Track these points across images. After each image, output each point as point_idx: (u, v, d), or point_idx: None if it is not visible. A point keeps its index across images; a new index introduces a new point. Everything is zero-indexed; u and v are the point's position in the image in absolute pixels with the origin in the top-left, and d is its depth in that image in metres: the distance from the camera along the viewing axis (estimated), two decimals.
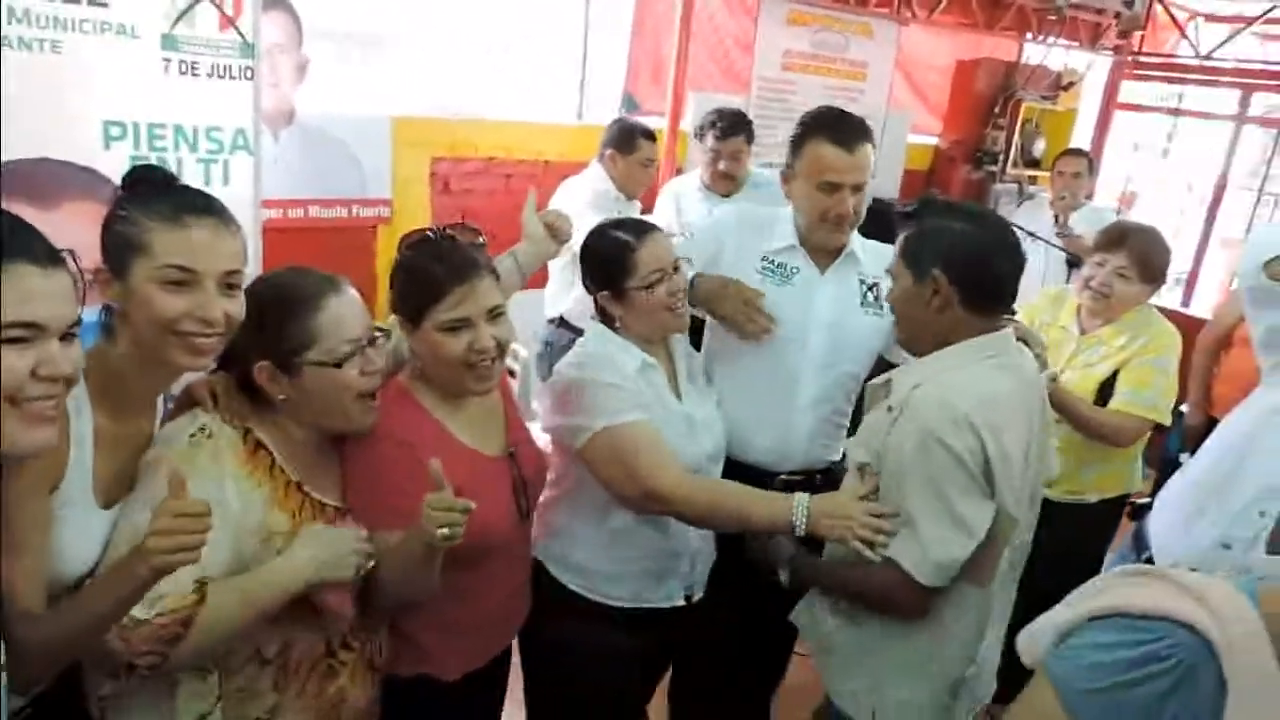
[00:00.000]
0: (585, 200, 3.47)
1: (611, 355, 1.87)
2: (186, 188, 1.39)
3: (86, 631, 1.22)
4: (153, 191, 1.32)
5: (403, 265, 1.62)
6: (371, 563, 1.47)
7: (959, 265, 1.64)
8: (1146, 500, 2.25)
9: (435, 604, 1.61)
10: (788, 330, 2.10)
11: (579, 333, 3.57)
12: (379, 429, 1.55)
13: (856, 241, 2.16)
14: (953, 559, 1.60)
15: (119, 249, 1.29)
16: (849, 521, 1.63)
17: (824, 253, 2.14)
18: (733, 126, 3.65)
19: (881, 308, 2.14)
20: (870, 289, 2.17)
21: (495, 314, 1.59)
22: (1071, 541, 2.54)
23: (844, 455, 2.13)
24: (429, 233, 1.63)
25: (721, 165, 3.67)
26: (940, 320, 1.67)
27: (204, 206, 1.33)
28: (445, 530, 1.38)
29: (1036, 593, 2.54)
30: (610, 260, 1.87)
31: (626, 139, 3.62)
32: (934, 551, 1.59)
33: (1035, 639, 1.07)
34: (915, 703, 1.71)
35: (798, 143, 2.07)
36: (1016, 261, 1.68)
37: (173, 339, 1.30)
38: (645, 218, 3.57)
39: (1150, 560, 2.10)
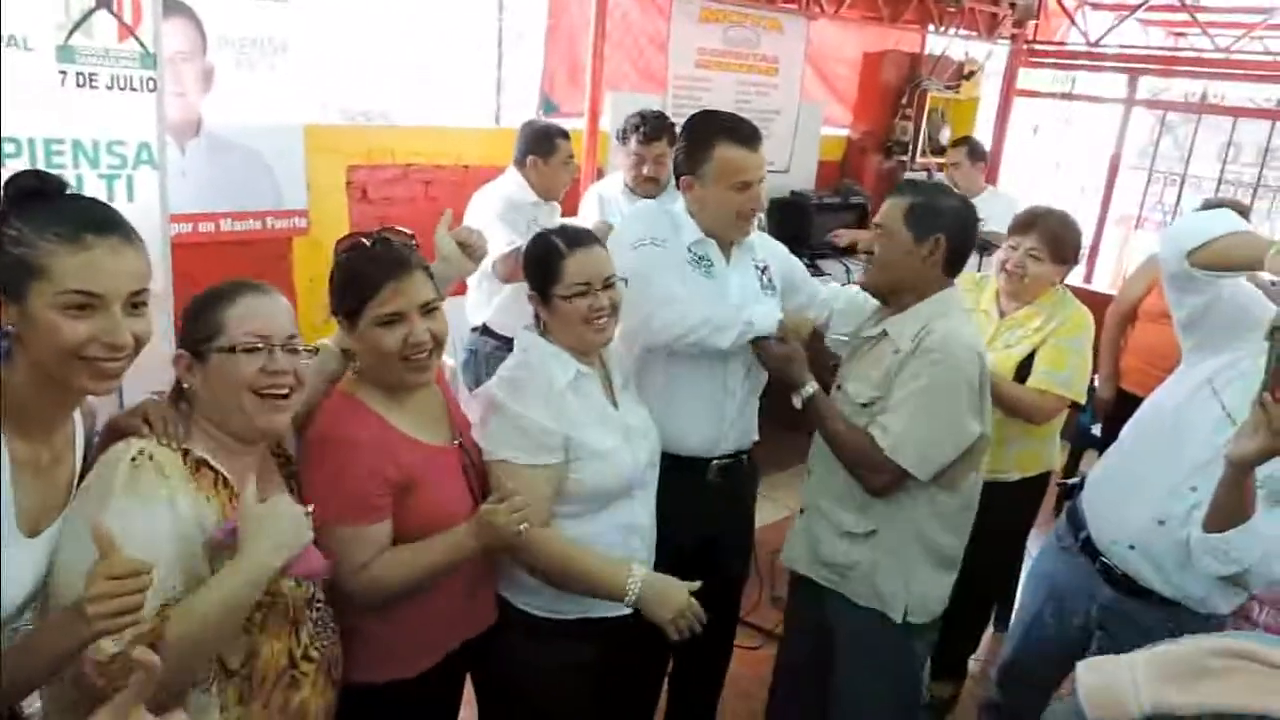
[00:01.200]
0: (495, 212, 3.46)
1: (546, 365, 1.88)
2: (80, 199, 1.31)
3: (27, 682, 1.19)
4: (49, 207, 1.23)
5: (338, 266, 1.68)
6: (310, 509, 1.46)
7: (956, 232, 2.04)
8: (1076, 480, 2.32)
9: (392, 601, 1.66)
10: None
11: (503, 340, 3.59)
12: (324, 432, 1.61)
13: None
14: (944, 459, 2.01)
15: (12, 272, 1.21)
16: (674, 610, 1.79)
17: (724, 244, 2.25)
18: (656, 130, 3.69)
19: (774, 288, 2.31)
20: (763, 271, 2.31)
21: (429, 308, 1.66)
22: (995, 520, 2.59)
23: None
24: (362, 236, 1.68)
25: (645, 169, 3.72)
26: (921, 274, 2.05)
27: (104, 222, 1.26)
28: (525, 525, 1.65)
29: (963, 570, 2.53)
30: (539, 264, 1.90)
31: (544, 142, 3.60)
32: (932, 452, 1.99)
33: (1115, 697, 1.04)
34: (937, 593, 2.16)
35: (700, 149, 2.15)
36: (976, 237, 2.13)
37: (78, 364, 1.24)
38: (570, 220, 3.60)
39: (1088, 540, 2.16)
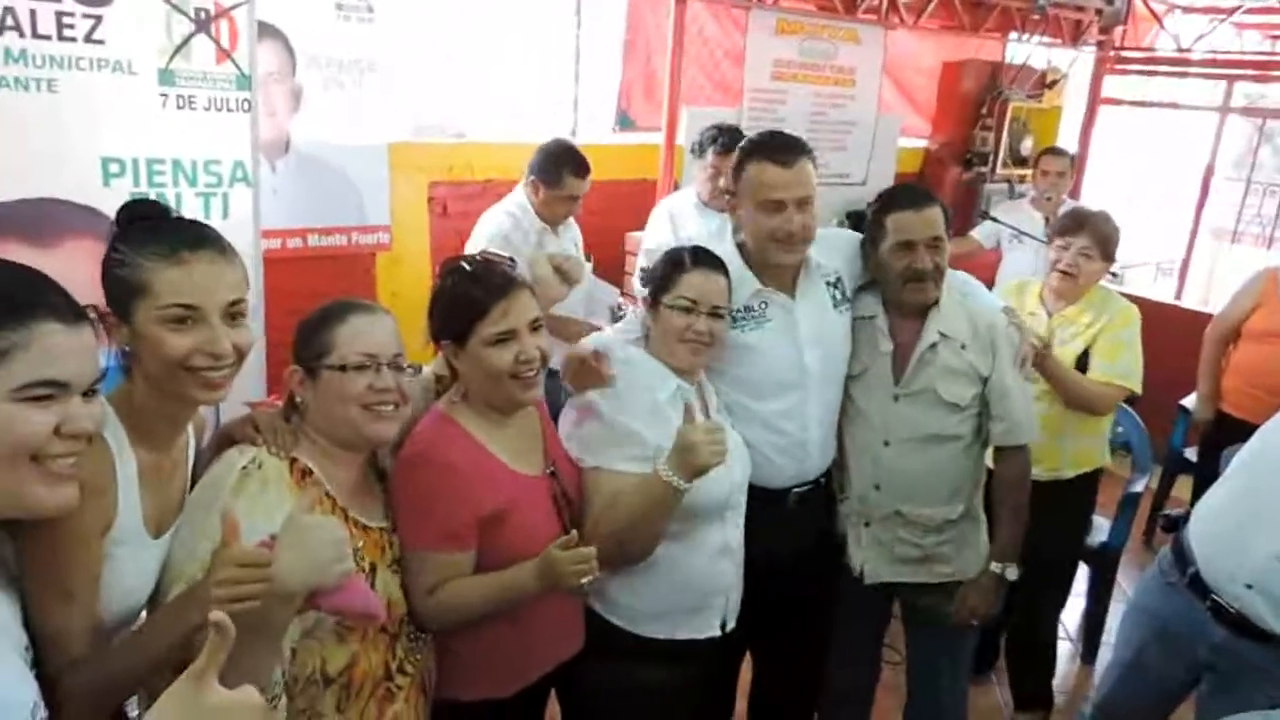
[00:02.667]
0: (487, 236, 3.26)
1: (649, 377, 1.89)
2: (180, 220, 1.38)
3: (134, 677, 1.23)
4: (146, 228, 1.31)
5: (443, 290, 1.70)
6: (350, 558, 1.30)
7: None
8: (1181, 512, 2.23)
9: (486, 624, 1.65)
10: (783, 364, 2.10)
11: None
12: (420, 452, 1.62)
13: (812, 247, 2.13)
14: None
15: (120, 293, 1.29)
16: (696, 445, 1.71)
17: (785, 274, 2.12)
18: (733, 142, 3.61)
19: (848, 300, 2.22)
20: (834, 286, 2.20)
21: (536, 325, 1.68)
22: (1051, 519, 2.66)
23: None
24: (462, 260, 1.71)
25: (721, 181, 3.63)
26: None
27: (199, 238, 1.32)
28: (588, 579, 1.57)
29: (1024, 584, 2.53)
30: (661, 269, 1.94)
31: (551, 171, 3.30)
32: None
33: None
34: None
35: (737, 169, 2.09)
36: None
37: (186, 376, 1.30)
38: (636, 235, 3.50)
39: (1197, 576, 2.04)
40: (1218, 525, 2.07)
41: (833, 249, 2.23)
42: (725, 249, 2.10)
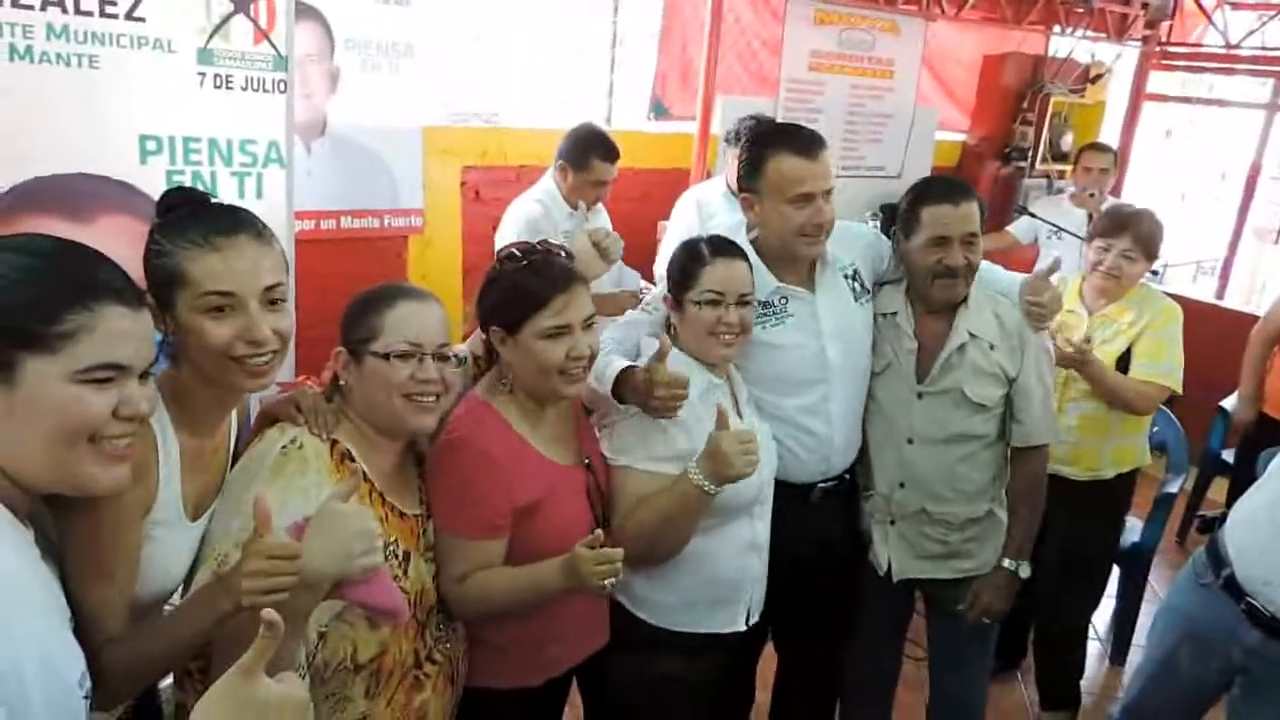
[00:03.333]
0: (517, 223, 3.28)
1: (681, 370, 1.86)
2: (217, 206, 1.37)
3: (166, 657, 1.25)
4: (183, 216, 1.31)
5: (501, 278, 1.68)
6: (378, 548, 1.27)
7: None
8: (1220, 513, 2.20)
9: (517, 614, 1.65)
10: (806, 359, 2.07)
11: None
12: (458, 439, 1.61)
13: (828, 241, 2.10)
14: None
15: (160, 283, 1.29)
16: (732, 451, 1.71)
17: (802, 268, 2.09)
18: None
19: (868, 292, 2.19)
20: (853, 278, 2.17)
21: (589, 322, 1.67)
22: (1090, 519, 2.82)
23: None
24: (515, 249, 1.70)
25: None
26: None
27: (233, 224, 1.32)
28: (611, 580, 1.54)
29: (1052, 571, 2.73)
30: (679, 266, 1.90)
31: (581, 155, 3.32)
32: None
33: None
34: None
35: (756, 163, 2.02)
36: None
37: (230, 364, 1.30)
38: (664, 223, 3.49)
39: (1232, 578, 2.01)
40: (1255, 528, 2.03)
41: (847, 242, 2.19)
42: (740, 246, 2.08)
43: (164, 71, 2.56)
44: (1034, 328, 2.17)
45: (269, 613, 0.94)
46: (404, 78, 3.71)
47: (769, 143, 2.03)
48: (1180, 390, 2.75)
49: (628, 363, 1.87)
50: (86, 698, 1.05)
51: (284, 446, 1.39)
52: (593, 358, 1.69)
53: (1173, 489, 3.35)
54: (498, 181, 4.10)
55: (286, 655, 1.23)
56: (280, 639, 0.95)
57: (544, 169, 4.01)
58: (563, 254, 1.71)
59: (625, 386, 1.83)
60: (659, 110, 4.55)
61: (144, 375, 1.09)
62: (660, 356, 1.78)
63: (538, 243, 1.71)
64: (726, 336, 1.85)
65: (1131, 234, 2.76)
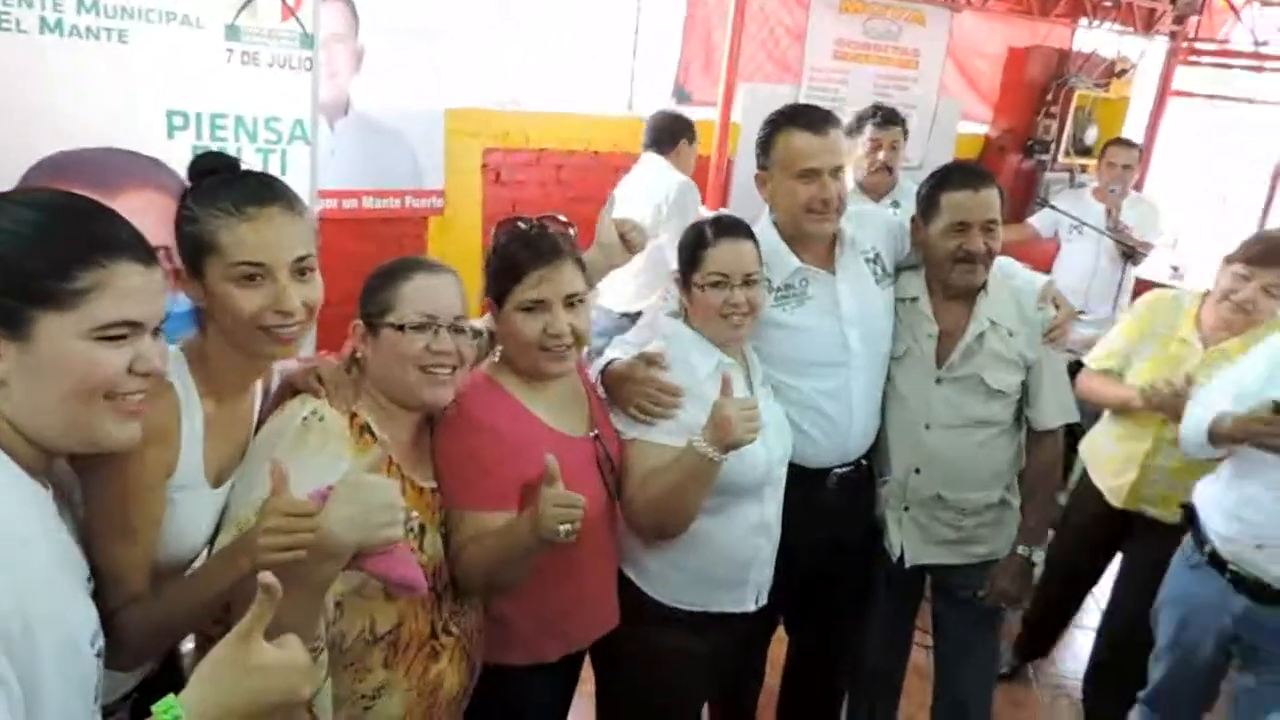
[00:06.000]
0: (675, 204, 3.51)
1: (688, 353, 1.87)
2: (248, 174, 1.36)
3: (187, 618, 1.27)
4: (215, 184, 1.31)
5: (494, 249, 1.68)
6: (405, 519, 1.28)
7: None
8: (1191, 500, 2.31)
9: (527, 587, 1.64)
10: (826, 342, 2.07)
11: None
12: (462, 413, 1.60)
13: (846, 223, 2.10)
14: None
15: (191, 250, 1.30)
16: (734, 418, 1.69)
17: (822, 249, 2.09)
18: (891, 117, 3.58)
19: (890, 275, 2.18)
20: (874, 261, 2.16)
21: (573, 300, 1.63)
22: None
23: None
24: (519, 220, 1.68)
25: (881, 155, 3.55)
26: None
27: (266, 194, 1.31)
28: (567, 526, 1.43)
29: (1128, 602, 2.67)
30: (686, 249, 1.90)
31: (688, 125, 3.65)
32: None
33: None
34: None
35: (767, 141, 2.04)
36: None
37: (258, 333, 1.31)
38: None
39: (1214, 552, 2.16)
40: (1222, 495, 2.16)
41: (868, 225, 2.20)
42: (761, 228, 2.07)
43: (192, 47, 2.58)
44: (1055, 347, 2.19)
45: (266, 576, 0.94)
46: (427, 60, 3.72)
47: (780, 119, 2.04)
48: None
49: (618, 355, 1.90)
50: (99, 655, 1.06)
51: (305, 418, 1.40)
52: (579, 337, 1.65)
53: None
54: (518, 164, 4.11)
55: (307, 624, 1.24)
56: (277, 602, 0.94)
57: (564, 153, 4.02)
58: (565, 229, 1.69)
59: (609, 376, 1.87)
60: (681, 96, 4.54)
61: (156, 331, 1.10)
62: (649, 361, 1.80)
63: (539, 217, 1.70)
64: (735, 318, 1.85)
65: None
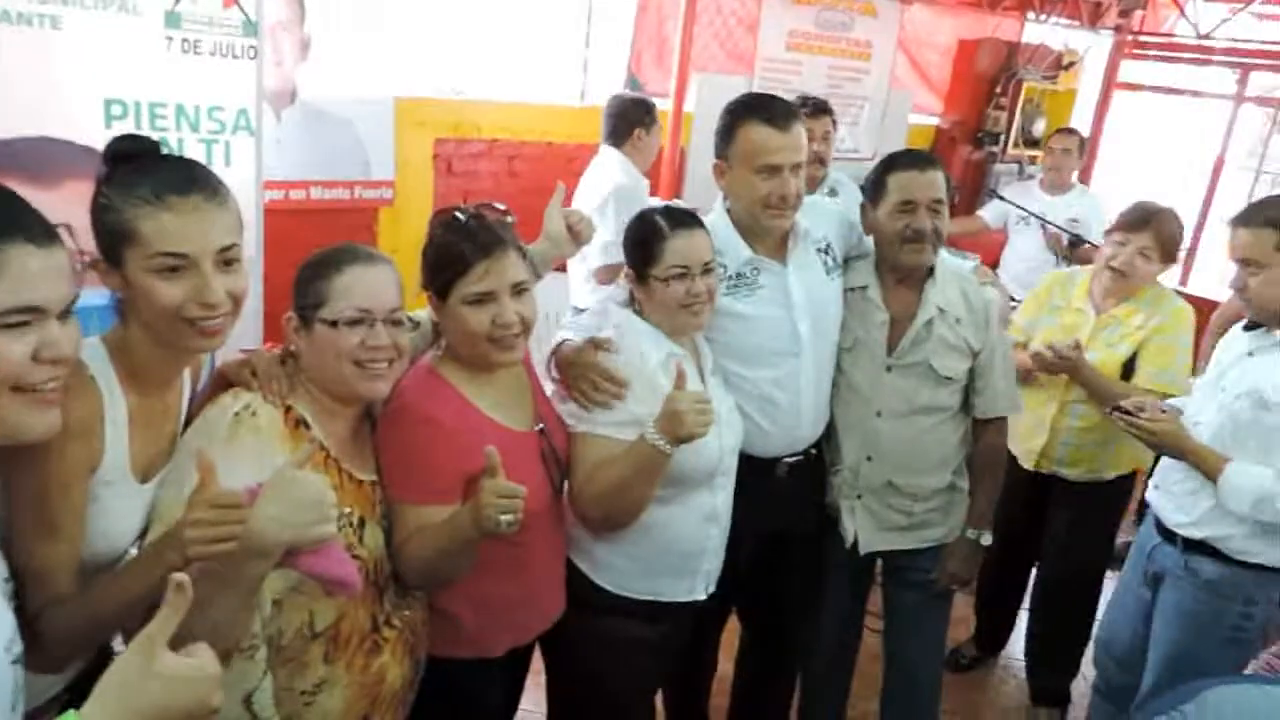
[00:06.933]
0: (610, 206, 3.41)
1: (639, 343, 1.87)
2: (168, 159, 1.30)
3: (115, 616, 1.23)
4: (133, 170, 1.24)
5: (432, 242, 1.66)
6: (334, 517, 1.25)
7: None
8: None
9: (473, 581, 1.63)
10: (776, 332, 2.08)
11: None
12: (405, 406, 1.59)
13: (800, 215, 2.10)
14: None
15: (109, 240, 1.24)
16: (682, 411, 1.70)
17: (774, 240, 2.09)
18: (820, 108, 3.60)
19: (839, 266, 2.20)
20: (825, 253, 2.18)
21: (519, 289, 1.62)
22: (1087, 520, 2.83)
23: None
24: (457, 211, 1.65)
25: (814, 146, 3.59)
26: None
27: (187, 180, 1.25)
28: (508, 517, 1.42)
29: (1053, 568, 2.90)
30: (639, 244, 1.88)
31: (647, 112, 3.57)
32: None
33: None
34: None
35: (728, 131, 2.03)
36: None
37: (181, 325, 1.26)
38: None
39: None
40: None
41: (820, 216, 2.21)
42: (715, 217, 2.08)
43: (129, 34, 2.52)
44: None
45: (177, 575, 0.91)
46: (376, 48, 3.66)
47: (742, 110, 2.02)
48: (1187, 395, 2.56)
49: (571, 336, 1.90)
50: (16, 662, 1.02)
51: (237, 413, 1.36)
52: (526, 326, 1.64)
53: None
54: (470, 155, 4.08)
55: (238, 625, 1.24)
56: (187, 605, 0.91)
57: (516, 143, 3.99)
58: (503, 216, 1.67)
59: (560, 358, 1.86)
60: (634, 86, 4.52)
61: (65, 315, 1.05)
62: (597, 345, 1.80)
63: (474, 205, 1.67)
64: (696, 307, 1.85)
65: (1153, 231, 2.62)
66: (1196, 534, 2.17)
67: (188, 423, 1.42)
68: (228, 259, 1.28)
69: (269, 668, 1.37)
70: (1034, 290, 2.95)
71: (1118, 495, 2.90)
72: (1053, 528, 2.90)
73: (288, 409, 1.43)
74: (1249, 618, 2.14)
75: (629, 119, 3.56)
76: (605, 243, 3.20)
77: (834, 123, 3.53)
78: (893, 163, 2.14)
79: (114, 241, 1.23)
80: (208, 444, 1.32)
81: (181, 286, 1.24)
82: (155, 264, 1.22)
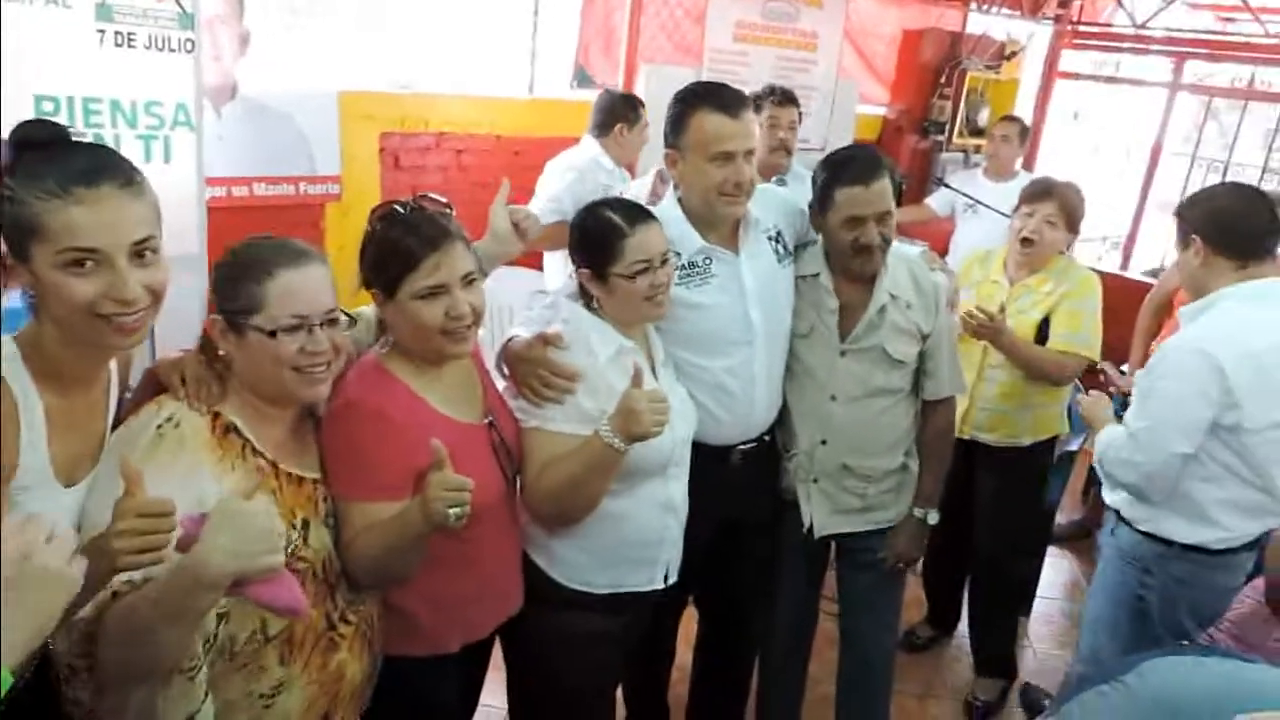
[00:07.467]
0: (566, 184, 3.49)
1: (588, 338, 1.85)
2: (77, 146, 1.22)
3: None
4: (38, 159, 1.17)
5: (374, 238, 1.63)
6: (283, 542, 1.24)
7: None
8: None
9: (425, 577, 1.62)
10: (729, 320, 2.09)
11: None
12: (352, 402, 1.57)
13: (751, 204, 2.10)
14: None
15: (14, 234, 1.16)
16: (640, 410, 1.71)
17: (726, 229, 2.10)
18: (788, 97, 3.62)
19: (790, 254, 2.22)
20: (776, 240, 2.19)
21: (469, 280, 1.61)
22: (1011, 488, 2.92)
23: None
24: (397, 205, 1.63)
25: (781, 134, 3.61)
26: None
27: (95, 171, 1.18)
28: (456, 510, 1.41)
29: (984, 537, 2.97)
30: (597, 243, 1.85)
31: (633, 110, 3.68)
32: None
33: None
34: None
35: (679, 120, 2.03)
36: None
37: (97, 323, 1.20)
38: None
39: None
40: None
41: (770, 204, 2.21)
42: (666, 206, 2.08)
43: (59, 28, 2.45)
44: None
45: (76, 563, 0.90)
46: (318, 41, 3.60)
47: (694, 99, 2.02)
48: (1098, 358, 2.80)
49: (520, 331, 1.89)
50: None
51: (159, 425, 1.31)
52: (478, 316, 1.63)
53: (1073, 447, 3.49)
54: (417, 149, 4.03)
55: (182, 650, 1.21)
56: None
57: (464, 136, 3.94)
58: (444, 208, 1.65)
59: (508, 354, 1.86)
60: (583, 78, 4.51)
61: None
62: (545, 340, 1.79)
63: (413, 198, 1.65)
64: (660, 297, 1.86)
65: (1056, 201, 2.78)
66: (1108, 499, 2.31)
67: (119, 421, 1.37)
68: (142, 251, 1.21)
69: (221, 674, 1.35)
70: (959, 268, 3.05)
71: (1038, 460, 2.98)
72: (981, 498, 2.97)
73: (215, 415, 1.38)
74: (1148, 588, 2.20)
75: (614, 113, 3.66)
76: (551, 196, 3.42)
77: (799, 113, 3.54)
78: (839, 174, 2.11)
79: (19, 236, 1.16)
80: (131, 455, 1.26)
81: (94, 283, 1.17)
82: (64, 259, 1.16)
